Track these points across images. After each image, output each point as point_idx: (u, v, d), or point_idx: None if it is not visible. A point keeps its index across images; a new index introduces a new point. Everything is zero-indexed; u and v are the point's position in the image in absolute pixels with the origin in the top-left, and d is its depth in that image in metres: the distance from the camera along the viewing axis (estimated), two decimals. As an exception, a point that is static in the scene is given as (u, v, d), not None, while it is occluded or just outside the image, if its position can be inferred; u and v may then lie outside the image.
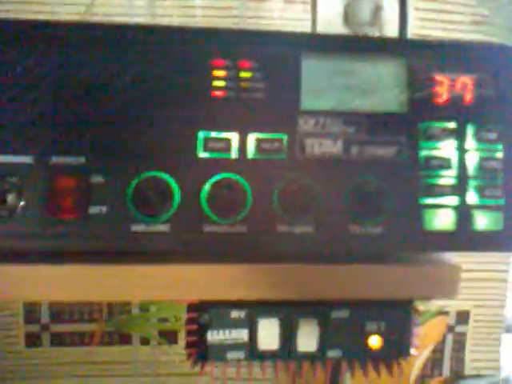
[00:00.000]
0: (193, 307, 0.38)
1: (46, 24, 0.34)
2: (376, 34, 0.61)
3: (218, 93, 0.34)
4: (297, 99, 0.35)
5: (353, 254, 0.36)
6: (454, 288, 0.38)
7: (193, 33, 0.35)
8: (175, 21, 0.65)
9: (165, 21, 0.65)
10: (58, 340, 0.70)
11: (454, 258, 0.39)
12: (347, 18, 0.63)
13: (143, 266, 0.35)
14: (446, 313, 0.75)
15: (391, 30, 0.59)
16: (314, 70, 0.35)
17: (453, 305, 0.75)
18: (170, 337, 0.71)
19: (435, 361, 0.76)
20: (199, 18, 0.65)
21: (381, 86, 0.35)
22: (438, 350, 0.76)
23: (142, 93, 0.34)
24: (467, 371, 0.77)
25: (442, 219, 0.35)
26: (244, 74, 0.34)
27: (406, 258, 0.38)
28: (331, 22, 0.64)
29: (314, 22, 0.65)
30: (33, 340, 0.69)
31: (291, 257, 0.36)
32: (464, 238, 0.36)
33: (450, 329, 0.75)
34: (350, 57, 0.35)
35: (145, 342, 0.72)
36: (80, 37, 0.34)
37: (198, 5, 0.65)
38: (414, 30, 0.68)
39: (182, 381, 0.71)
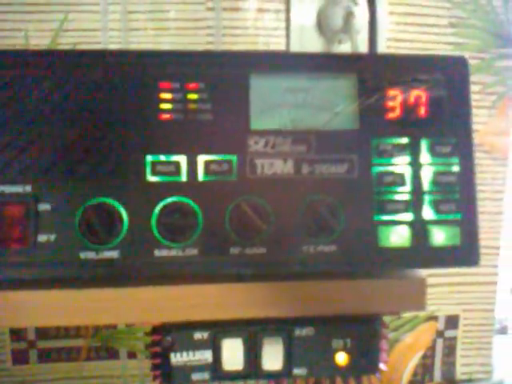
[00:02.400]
0: (156, 329, 0.38)
1: None
2: (348, 40, 0.60)
3: (165, 115, 0.34)
4: (246, 119, 0.34)
5: (307, 273, 0.35)
6: (421, 301, 0.37)
7: (140, 55, 0.35)
8: (149, 33, 0.65)
9: (139, 34, 0.65)
10: (45, 356, 0.70)
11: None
12: (320, 25, 0.63)
13: (105, 289, 0.35)
14: (435, 318, 0.74)
15: (364, 36, 0.58)
16: (262, 89, 0.35)
17: (442, 310, 0.74)
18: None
19: (426, 366, 0.75)
20: (173, 31, 0.65)
21: (331, 103, 0.35)
22: (429, 356, 0.75)
23: (89, 117, 0.34)
24: (459, 376, 0.76)
25: (398, 236, 0.35)
26: (191, 96, 0.34)
27: (370, 273, 0.38)
28: (304, 29, 0.64)
29: (287, 30, 0.65)
30: (20, 357, 0.70)
31: (246, 277, 0.35)
32: (421, 254, 0.35)
33: (440, 334, 0.75)
34: (299, 74, 0.35)
35: (132, 355, 0.71)
36: (26, 62, 0.34)
37: (172, 17, 0.65)
38: (390, 35, 0.67)
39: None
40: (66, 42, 0.64)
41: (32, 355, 0.70)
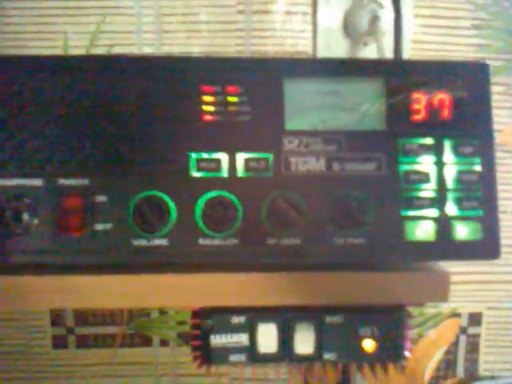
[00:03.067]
0: (196, 314, 0.41)
1: (51, 58, 0.38)
2: (373, 43, 0.62)
3: (208, 117, 0.37)
4: (281, 120, 0.37)
5: (337, 264, 0.38)
6: (445, 292, 0.39)
7: (184, 61, 0.38)
8: (181, 36, 0.68)
9: (171, 36, 0.68)
10: (83, 342, 0.74)
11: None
12: (346, 28, 0.65)
13: (153, 275, 0.38)
14: (459, 315, 0.75)
15: (390, 38, 0.60)
16: (295, 93, 0.37)
17: (465, 307, 0.75)
18: (188, 339, 0.73)
19: (449, 362, 0.76)
20: (205, 33, 0.68)
21: (360, 105, 0.38)
22: (452, 352, 0.76)
23: (140, 119, 0.37)
24: (481, 372, 0.77)
25: (423, 230, 0.37)
26: (231, 99, 0.37)
27: (397, 265, 0.40)
28: (331, 32, 0.66)
29: (314, 32, 0.67)
30: (59, 342, 0.74)
31: (281, 267, 0.38)
32: (444, 247, 0.37)
33: (463, 330, 0.76)
34: (329, 79, 0.38)
35: (164, 343, 0.74)
36: (83, 67, 0.37)
37: (204, 20, 0.68)
38: (415, 37, 0.69)
39: (200, 381, 0.74)
40: (102, 44, 0.67)
41: (70, 340, 0.73)
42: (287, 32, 0.68)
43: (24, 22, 0.67)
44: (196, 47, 0.68)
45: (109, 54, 0.66)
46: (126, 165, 0.36)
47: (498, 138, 0.71)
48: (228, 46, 0.68)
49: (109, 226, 0.36)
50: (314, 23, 0.67)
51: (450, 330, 0.75)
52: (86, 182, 0.36)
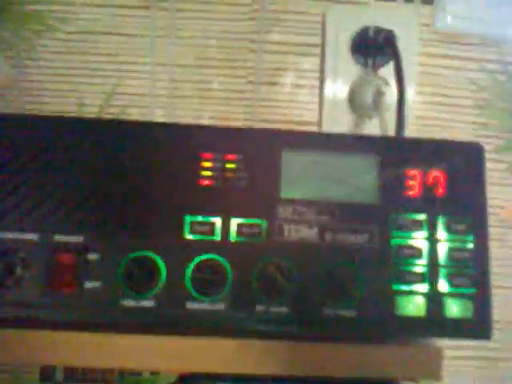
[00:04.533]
0: (183, 379, 0.40)
1: (49, 119, 0.40)
2: (377, 117, 0.64)
3: (205, 181, 0.38)
4: (277, 188, 0.38)
5: (326, 335, 0.38)
6: (438, 370, 0.38)
7: (185, 129, 0.40)
8: (193, 101, 0.71)
9: (183, 101, 0.71)
10: (71, 399, 0.72)
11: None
12: (351, 102, 0.67)
13: (141, 336, 0.37)
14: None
15: (393, 113, 0.62)
16: (293, 163, 0.39)
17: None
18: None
19: None
20: (215, 100, 0.71)
21: (355, 179, 0.39)
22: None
23: (138, 181, 0.38)
24: None
25: (414, 305, 0.37)
26: (229, 166, 0.38)
27: (387, 340, 0.39)
28: (337, 105, 0.69)
29: (320, 104, 0.69)
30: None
31: (270, 334, 0.38)
32: (435, 324, 0.37)
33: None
34: (326, 152, 0.39)
35: (154, 405, 0.72)
36: (81, 129, 0.39)
37: (215, 88, 0.71)
38: (418, 113, 0.71)
39: None
40: (117, 104, 0.70)
41: (58, 397, 0.72)
42: (294, 103, 0.71)
43: (44, 79, 0.70)
44: (207, 112, 0.70)
45: (110, 118, 0.68)
46: (120, 224, 0.37)
47: (502, 215, 0.71)
48: (237, 114, 0.70)
49: (98, 284, 0.36)
50: (321, 96, 0.70)
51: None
52: (80, 239, 0.37)
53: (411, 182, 0.38)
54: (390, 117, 0.63)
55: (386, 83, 0.66)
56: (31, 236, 0.37)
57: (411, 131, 0.68)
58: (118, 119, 0.54)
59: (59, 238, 0.37)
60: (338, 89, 0.68)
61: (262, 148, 0.39)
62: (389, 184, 0.38)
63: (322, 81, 0.70)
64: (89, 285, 0.36)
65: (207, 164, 0.38)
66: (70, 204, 0.37)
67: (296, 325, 0.37)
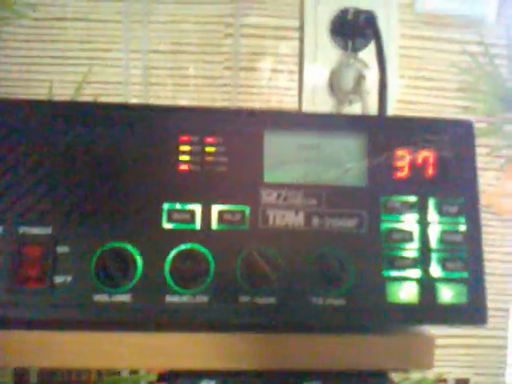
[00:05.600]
0: (163, 377, 0.38)
1: (14, 102, 0.37)
2: (358, 101, 0.62)
3: (183, 166, 0.36)
4: (260, 172, 0.36)
5: (315, 326, 0.36)
6: (429, 359, 0.37)
7: (162, 110, 0.37)
8: (168, 89, 0.68)
9: (159, 89, 0.68)
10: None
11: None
12: (332, 86, 0.66)
13: (116, 333, 0.35)
14: (445, 380, 0.73)
15: (374, 97, 0.61)
16: (276, 145, 0.36)
17: (452, 372, 0.72)
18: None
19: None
20: (192, 87, 0.68)
21: (342, 160, 0.37)
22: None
23: (110, 166, 0.35)
24: None
25: (406, 292, 0.35)
26: (209, 149, 0.36)
27: (378, 328, 0.38)
28: (316, 89, 0.67)
29: (300, 90, 0.68)
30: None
31: (255, 327, 0.36)
32: (428, 311, 0.36)
33: (450, 397, 0.73)
34: (311, 133, 0.37)
35: (134, 405, 0.70)
36: (51, 113, 0.36)
37: (191, 74, 0.68)
38: (399, 97, 0.70)
39: None
40: (89, 93, 0.67)
41: (33, 400, 0.69)
42: (273, 89, 0.69)
43: (12, 69, 0.67)
44: (183, 100, 0.68)
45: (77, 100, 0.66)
46: (92, 214, 0.35)
47: (483, 200, 0.71)
48: (215, 101, 0.68)
49: (69, 278, 0.34)
50: (300, 81, 0.68)
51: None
52: (47, 230, 0.34)
53: (400, 163, 0.37)
54: (371, 101, 0.61)
55: (366, 66, 0.64)
56: (-6, 228, 0.34)
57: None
58: (88, 101, 0.51)
59: (25, 229, 0.34)
60: (317, 73, 0.67)
61: (242, 129, 0.36)
62: (377, 165, 0.36)
63: (301, 65, 0.68)
64: (59, 280, 0.34)
65: (185, 148, 0.36)
66: (37, 192, 0.35)
67: (283, 315, 0.35)
